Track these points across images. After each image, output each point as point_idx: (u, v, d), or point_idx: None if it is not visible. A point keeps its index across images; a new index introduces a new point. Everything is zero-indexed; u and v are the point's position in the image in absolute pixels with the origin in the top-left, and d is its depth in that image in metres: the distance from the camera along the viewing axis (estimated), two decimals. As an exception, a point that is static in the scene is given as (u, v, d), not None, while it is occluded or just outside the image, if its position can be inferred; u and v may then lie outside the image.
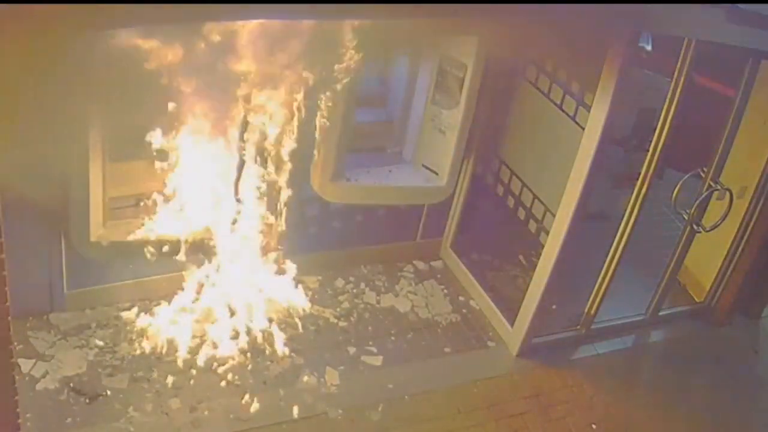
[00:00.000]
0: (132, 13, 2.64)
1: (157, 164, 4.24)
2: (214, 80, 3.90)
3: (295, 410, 4.38)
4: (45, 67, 2.92)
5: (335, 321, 5.05)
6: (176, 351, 4.54)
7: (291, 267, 4.93)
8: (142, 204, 4.42)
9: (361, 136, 5.02)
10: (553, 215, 4.70)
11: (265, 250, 4.82)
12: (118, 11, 2.61)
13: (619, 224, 4.88)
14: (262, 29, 3.74)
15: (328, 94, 4.47)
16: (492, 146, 5.34)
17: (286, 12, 3.09)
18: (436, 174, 5.20)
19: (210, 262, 4.71)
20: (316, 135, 4.66)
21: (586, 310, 5.18)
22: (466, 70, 4.78)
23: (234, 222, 4.66)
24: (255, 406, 4.35)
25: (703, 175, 5.04)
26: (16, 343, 3.87)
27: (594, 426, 4.68)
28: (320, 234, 5.16)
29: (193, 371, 4.47)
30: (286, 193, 4.71)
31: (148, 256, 4.45)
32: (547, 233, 4.77)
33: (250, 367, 4.57)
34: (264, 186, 4.64)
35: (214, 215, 4.61)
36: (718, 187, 5.04)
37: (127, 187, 4.38)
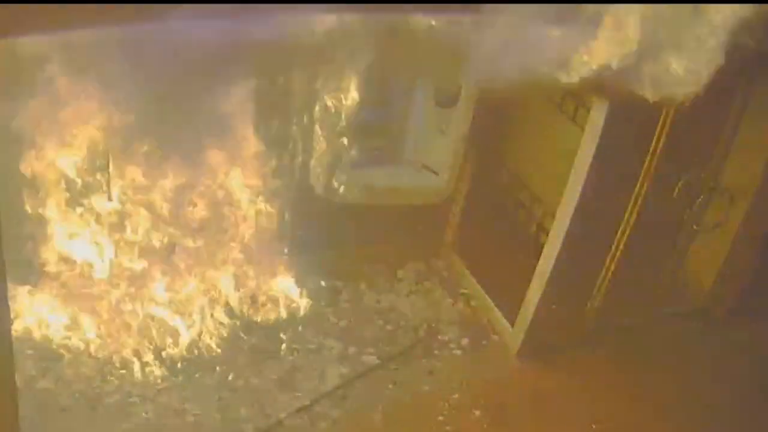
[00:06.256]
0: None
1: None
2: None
3: (295, 411, 4.37)
4: None
5: (335, 321, 5.04)
6: (172, 350, 4.54)
7: (291, 267, 4.93)
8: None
9: (361, 136, 5.02)
10: (553, 215, 4.70)
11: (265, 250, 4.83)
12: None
13: (620, 224, 4.88)
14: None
15: (329, 94, 4.47)
16: (492, 146, 5.33)
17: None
18: (436, 174, 5.20)
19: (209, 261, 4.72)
20: (316, 135, 4.67)
21: (586, 310, 5.18)
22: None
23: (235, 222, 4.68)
24: (255, 407, 4.35)
25: (703, 175, 5.04)
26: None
27: (594, 426, 4.68)
28: (320, 234, 5.16)
29: (193, 371, 4.47)
30: (287, 193, 4.72)
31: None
32: (547, 233, 4.77)
33: (249, 367, 4.57)
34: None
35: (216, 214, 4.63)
36: (718, 188, 5.04)
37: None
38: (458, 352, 5.04)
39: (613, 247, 4.93)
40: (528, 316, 4.89)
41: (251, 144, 4.56)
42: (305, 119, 4.60)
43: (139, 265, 4.61)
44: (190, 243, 4.66)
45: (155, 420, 4.17)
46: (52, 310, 4.57)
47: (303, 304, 4.99)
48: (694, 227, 5.14)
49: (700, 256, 5.59)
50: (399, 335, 5.05)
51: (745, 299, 5.67)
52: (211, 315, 4.75)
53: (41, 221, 4.40)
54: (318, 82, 4.48)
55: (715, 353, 5.45)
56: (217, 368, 4.52)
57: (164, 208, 4.54)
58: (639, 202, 4.76)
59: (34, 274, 4.51)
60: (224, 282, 4.81)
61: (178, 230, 4.63)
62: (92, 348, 4.47)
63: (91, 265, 4.59)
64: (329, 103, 4.54)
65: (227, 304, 4.82)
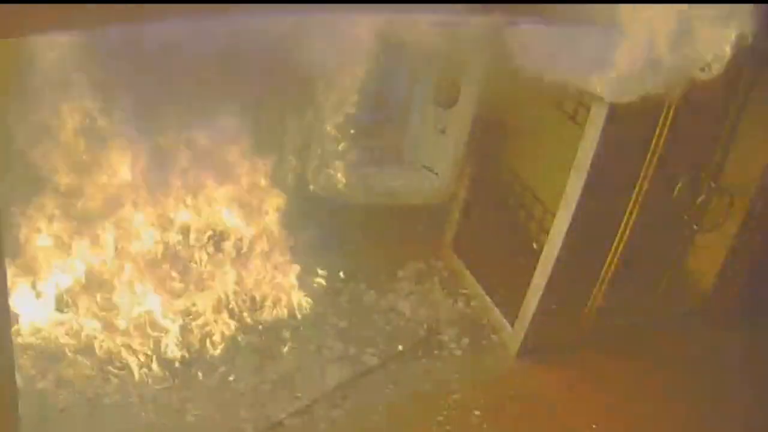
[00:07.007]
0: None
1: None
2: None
3: (295, 411, 4.37)
4: None
5: (335, 321, 5.04)
6: (172, 350, 4.54)
7: (291, 267, 4.94)
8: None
9: (361, 136, 5.02)
10: (553, 215, 4.70)
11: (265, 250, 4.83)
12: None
13: (620, 224, 4.88)
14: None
15: (329, 94, 4.48)
16: (492, 146, 5.33)
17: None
18: (436, 174, 5.21)
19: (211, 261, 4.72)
20: (317, 135, 4.67)
21: (586, 310, 5.18)
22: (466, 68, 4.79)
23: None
24: (255, 407, 4.35)
25: (703, 175, 5.04)
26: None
27: (594, 426, 4.68)
28: (320, 234, 5.17)
29: (193, 371, 4.47)
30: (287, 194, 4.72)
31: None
32: (547, 233, 4.77)
33: (249, 367, 4.57)
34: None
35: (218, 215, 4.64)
36: (718, 188, 5.04)
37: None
38: (458, 352, 5.04)
39: (613, 247, 4.93)
40: (528, 316, 4.90)
41: (251, 144, 4.56)
42: (305, 119, 4.60)
43: (139, 265, 4.61)
44: (190, 243, 4.66)
45: (155, 420, 4.16)
46: (52, 309, 4.57)
47: (303, 304, 4.99)
48: (694, 227, 5.14)
49: (700, 256, 5.59)
50: (399, 335, 5.05)
51: (745, 299, 5.67)
52: (211, 315, 4.75)
53: (39, 220, 4.40)
54: (319, 82, 4.48)
55: (715, 353, 5.45)
56: (218, 368, 4.51)
57: (164, 208, 4.55)
58: (639, 202, 4.77)
59: (34, 273, 4.50)
60: (224, 282, 4.81)
61: (178, 231, 4.63)
62: (92, 348, 4.47)
63: (90, 266, 4.59)
64: (329, 103, 4.54)
65: (227, 304, 4.82)
